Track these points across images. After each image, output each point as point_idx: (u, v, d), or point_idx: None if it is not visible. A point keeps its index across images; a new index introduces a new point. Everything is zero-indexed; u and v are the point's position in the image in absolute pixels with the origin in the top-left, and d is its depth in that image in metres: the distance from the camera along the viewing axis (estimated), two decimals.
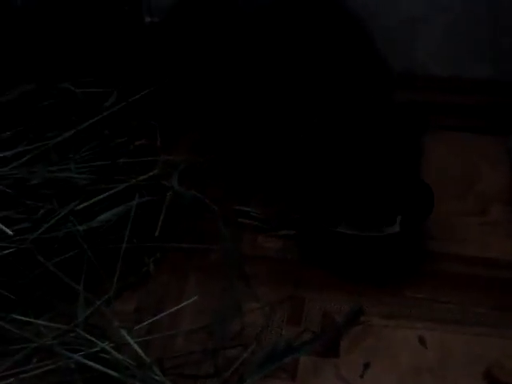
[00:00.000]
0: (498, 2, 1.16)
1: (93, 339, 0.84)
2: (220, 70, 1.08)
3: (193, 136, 1.14)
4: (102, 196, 0.95)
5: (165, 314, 0.90)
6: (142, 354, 0.83)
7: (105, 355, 0.83)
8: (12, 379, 0.82)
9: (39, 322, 0.86)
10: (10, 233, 0.90)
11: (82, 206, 0.94)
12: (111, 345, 0.84)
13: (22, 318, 0.87)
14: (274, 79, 1.00)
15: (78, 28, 1.10)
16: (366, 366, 0.88)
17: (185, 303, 0.90)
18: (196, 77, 1.12)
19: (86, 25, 1.10)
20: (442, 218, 1.02)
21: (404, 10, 1.19)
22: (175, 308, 0.90)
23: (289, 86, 0.99)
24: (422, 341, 0.91)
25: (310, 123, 0.94)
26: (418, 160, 0.96)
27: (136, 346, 0.84)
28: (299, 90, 0.98)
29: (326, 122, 0.93)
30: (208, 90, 1.10)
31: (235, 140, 1.08)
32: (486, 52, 1.20)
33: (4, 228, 0.90)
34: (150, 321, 0.89)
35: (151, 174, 0.99)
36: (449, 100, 1.17)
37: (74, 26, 1.10)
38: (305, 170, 0.96)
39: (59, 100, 1.06)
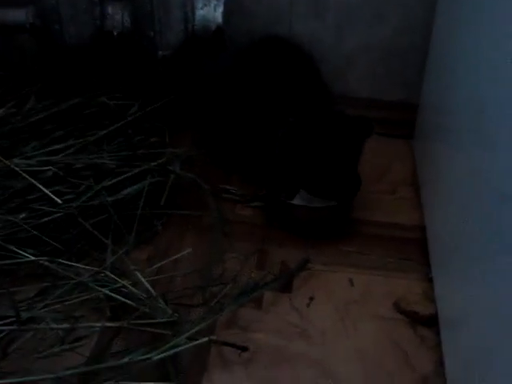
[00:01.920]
0: (405, 45, 1.12)
1: (116, 278, 0.80)
2: (215, 92, 1.06)
3: (192, 135, 1.10)
4: (124, 176, 0.91)
5: (168, 260, 0.86)
6: (151, 289, 0.80)
7: (124, 290, 0.79)
8: (59, 305, 0.78)
9: (79, 265, 0.83)
10: (60, 201, 0.86)
11: (110, 183, 0.90)
12: (129, 282, 0.80)
13: (67, 262, 0.83)
14: (255, 97, 0.97)
15: (112, 60, 1.05)
16: (311, 299, 0.84)
17: (182, 253, 0.86)
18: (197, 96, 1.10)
19: (117, 59, 1.05)
20: (365, 196, 0.97)
21: (340, 51, 1.14)
22: (176, 256, 0.86)
23: (264, 103, 0.96)
24: (350, 281, 0.87)
25: (284, 125, 0.90)
26: (357, 156, 0.92)
27: (147, 284, 0.80)
28: (272, 104, 0.95)
29: (298, 122, 0.90)
30: (205, 105, 1.08)
31: (223, 140, 1.04)
32: (398, 81, 1.15)
33: (55, 198, 0.86)
34: (158, 265, 0.85)
35: (160, 161, 0.94)
36: (371, 114, 1.13)
37: (109, 57, 1.04)
38: (272, 160, 0.92)
39: (97, 109, 1.02)
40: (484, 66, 0.75)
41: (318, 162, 0.90)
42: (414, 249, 0.92)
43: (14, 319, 0.73)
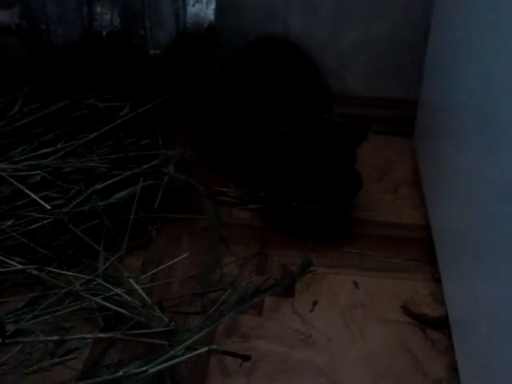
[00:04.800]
0: (403, 41, 1.08)
1: (109, 286, 0.75)
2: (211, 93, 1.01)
3: (185, 137, 1.04)
4: (116, 179, 0.86)
5: (163, 266, 0.81)
6: (146, 297, 0.74)
7: (118, 298, 0.74)
8: (49, 316, 0.73)
9: (69, 273, 0.78)
10: (48, 207, 0.81)
11: (101, 187, 0.85)
12: (123, 290, 0.75)
13: (57, 270, 0.78)
14: (252, 98, 0.93)
15: (102, 60, 1.00)
16: (314, 303, 0.79)
17: (178, 258, 0.82)
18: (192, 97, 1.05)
19: (107, 59, 1.00)
20: (367, 196, 0.93)
21: (337, 49, 1.10)
22: (171, 262, 0.81)
23: (262, 104, 0.91)
24: (355, 284, 0.82)
25: (277, 132, 0.86)
26: (351, 159, 0.89)
27: (141, 291, 0.75)
28: (269, 106, 0.91)
29: (290, 131, 0.85)
30: (200, 105, 1.03)
31: (218, 142, 0.99)
32: (396, 78, 1.11)
33: (43, 203, 0.81)
34: (152, 272, 0.80)
35: (153, 163, 0.89)
36: (369, 112, 1.08)
37: (98, 58, 0.99)
38: (272, 161, 0.88)
39: (87, 111, 0.97)
40: (485, 60, 0.71)
41: (312, 167, 0.86)
42: (418, 249, 0.87)
43: None
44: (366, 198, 0.93)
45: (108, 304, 0.73)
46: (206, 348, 0.66)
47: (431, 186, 0.93)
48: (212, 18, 0.96)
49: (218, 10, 0.97)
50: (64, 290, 0.74)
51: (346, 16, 1.07)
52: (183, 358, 0.65)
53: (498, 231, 0.62)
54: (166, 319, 0.71)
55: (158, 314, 0.72)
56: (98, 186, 0.84)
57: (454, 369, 0.71)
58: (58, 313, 0.74)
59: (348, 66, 1.11)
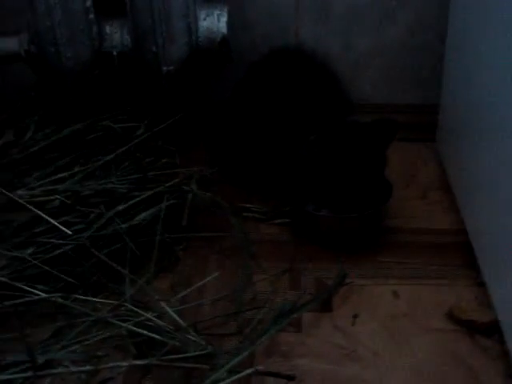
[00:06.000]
0: (419, 45, 1.06)
1: (139, 311, 0.71)
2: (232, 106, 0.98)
3: (204, 154, 1.01)
4: (137, 199, 0.82)
5: (193, 287, 0.76)
6: (179, 320, 0.70)
7: (149, 323, 0.70)
8: (77, 346, 0.69)
9: (96, 299, 0.74)
10: (69, 232, 0.77)
11: (123, 208, 0.81)
12: (153, 314, 0.70)
13: (83, 297, 0.74)
14: (270, 112, 0.90)
15: (114, 80, 0.97)
16: (355, 316, 0.75)
17: (208, 278, 0.77)
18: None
19: (119, 79, 0.97)
20: (396, 203, 0.89)
21: (352, 58, 1.07)
22: (201, 283, 0.77)
23: (285, 115, 0.88)
24: (395, 294, 0.78)
25: (306, 142, 0.83)
26: (383, 163, 0.85)
27: (173, 314, 0.71)
28: (294, 117, 0.87)
29: (319, 140, 0.83)
30: (217, 121, 1.00)
31: (239, 157, 0.95)
32: (415, 83, 1.09)
33: (64, 229, 0.77)
34: (182, 294, 0.76)
35: (174, 181, 0.86)
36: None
37: (110, 78, 0.97)
38: (302, 172, 0.85)
39: (102, 133, 0.94)
40: (504, 58, 0.69)
41: (344, 178, 0.82)
42: (455, 253, 0.83)
43: (29, 364, 0.63)
44: (396, 205, 0.89)
45: (139, 330, 0.69)
46: (251, 370, 0.61)
47: (463, 188, 0.89)
48: (224, 30, 0.93)
49: (229, 24, 0.95)
50: (92, 318, 0.70)
51: (358, 22, 1.04)
52: (227, 381, 0.61)
53: None
54: (203, 342, 0.67)
55: (193, 338, 0.68)
56: (120, 208, 0.80)
57: (510, 376, 0.66)
58: (87, 342, 0.69)
59: (364, 73, 1.08)
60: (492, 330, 0.72)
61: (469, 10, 0.87)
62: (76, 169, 0.86)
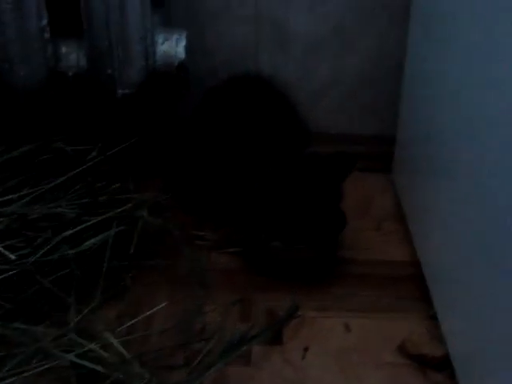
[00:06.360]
0: (376, 76, 1.06)
1: (82, 341, 0.68)
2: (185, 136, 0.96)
3: (157, 180, 0.98)
4: (87, 224, 0.80)
5: (141, 317, 0.74)
6: (124, 352, 0.68)
7: (93, 354, 0.67)
8: (15, 378, 0.66)
9: (37, 328, 0.70)
10: (13, 257, 0.75)
11: (71, 233, 0.78)
12: (98, 345, 0.68)
13: (23, 326, 0.71)
14: (227, 140, 0.88)
15: (68, 102, 0.95)
16: (306, 349, 0.73)
17: (156, 308, 0.75)
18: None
19: (74, 101, 0.95)
20: (350, 234, 0.87)
21: (310, 87, 1.07)
22: (149, 312, 0.75)
23: (241, 143, 0.87)
24: (346, 327, 0.77)
25: (260, 172, 0.82)
26: (338, 196, 0.84)
27: (118, 345, 0.68)
28: (250, 145, 0.86)
29: (273, 171, 0.82)
30: (173, 148, 0.99)
31: (193, 185, 0.94)
32: (371, 114, 1.09)
33: (8, 253, 0.75)
34: (129, 324, 0.73)
35: (125, 207, 0.83)
36: (345, 150, 1.05)
37: (64, 100, 0.95)
38: (257, 202, 0.83)
39: (53, 155, 0.91)
40: (460, 91, 0.70)
41: (295, 210, 0.81)
42: (409, 286, 0.83)
43: None
44: (350, 236, 0.88)
45: (82, 361, 0.66)
46: None
47: (417, 220, 0.89)
48: (182, 55, 0.92)
49: (188, 50, 0.94)
50: (32, 348, 0.67)
51: (317, 52, 1.04)
52: None
53: (489, 258, 0.59)
54: (148, 375, 0.65)
55: (137, 370, 0.66)
56: (67, 233, 0.78)
57: None
58: (26, 373, 0.66)
59: (322, 103, 1.08)
60: (443, 364, 0.71)
61: (425, 42, 0.87)
62: (25, 191, 0.83)
